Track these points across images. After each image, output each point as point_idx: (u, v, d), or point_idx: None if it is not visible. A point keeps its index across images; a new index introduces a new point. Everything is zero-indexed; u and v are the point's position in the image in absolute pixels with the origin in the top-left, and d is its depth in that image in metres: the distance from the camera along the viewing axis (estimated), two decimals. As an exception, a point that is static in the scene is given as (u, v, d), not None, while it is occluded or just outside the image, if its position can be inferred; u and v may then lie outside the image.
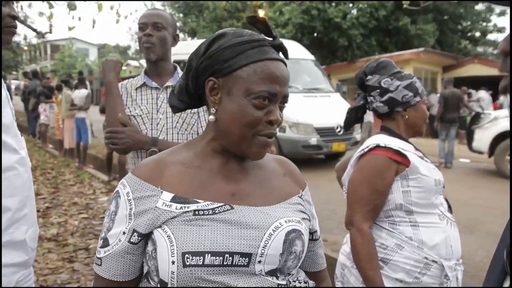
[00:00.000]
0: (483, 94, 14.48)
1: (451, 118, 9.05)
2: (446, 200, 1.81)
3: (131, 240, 0.95)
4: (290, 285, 1.00)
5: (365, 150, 1.71)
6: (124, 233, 0.96)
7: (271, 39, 1.01)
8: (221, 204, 0.97)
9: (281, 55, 1.03)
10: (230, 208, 0.97)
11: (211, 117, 1.00)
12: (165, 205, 0.96)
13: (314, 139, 8.33)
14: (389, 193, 1.68)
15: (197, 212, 0.94)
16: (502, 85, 0.77)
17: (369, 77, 1.81)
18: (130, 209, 0.96)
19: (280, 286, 0.97)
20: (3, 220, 1.23)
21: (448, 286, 1.65)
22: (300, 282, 1.03)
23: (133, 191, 0.98)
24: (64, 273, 3.59)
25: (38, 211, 5.30)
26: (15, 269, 1.30)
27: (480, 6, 21.94)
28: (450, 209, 1.80)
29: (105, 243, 0.98)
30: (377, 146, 1.69)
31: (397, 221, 1.68)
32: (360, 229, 1.65)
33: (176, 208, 0.95)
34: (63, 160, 9.33)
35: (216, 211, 0.95)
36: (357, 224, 1.66)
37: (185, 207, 0.95)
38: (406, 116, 1.79)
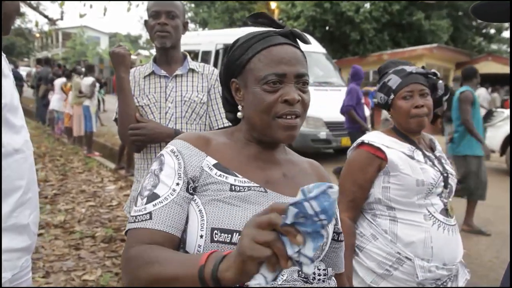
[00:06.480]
0: (481, 91, 14.35)
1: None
2: (446, 203, 1.74)
3: (190, 191, 0.99)
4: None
5: (354, 146, 1.82)
6: (178, 184, 0.99)
7: (280, 29, 1.06)
8: (258, 185, 1.02)
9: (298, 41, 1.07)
10: (264, 191, 1.02)
11: (239, 114, 1.08)
12: (208, 167, 1.01)
13: (323, 133, 8.29)
14: (371, 187, 1.76)
15: (233, 187, 0.99)
16: None
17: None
18: (179, 163, 1.01)
19: (299, 271, 0.99)
20: (12, 200, 1.24)
21: (448, 286, 1.65)
22: (319, 270, 1.06)
23: (179, 149, 1.03)
24: (70, 260, 3.61)
25: (46, 197, 5.36)
26: (20, 254, 1.31)
27: (496, 3, 21.59)
28: (447, 212, 1.73)
29: (153, 197, 0.98)
30: (362, 143, 1.78)
31: (377, 214, 1.76)
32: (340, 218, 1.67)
33: (216, 174, 1.00)
34: (72, 148, 9.37)
35: (252, 189, 0.98)
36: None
37: (224, 176, 1.00)
38: (391, 116, 1.85)
